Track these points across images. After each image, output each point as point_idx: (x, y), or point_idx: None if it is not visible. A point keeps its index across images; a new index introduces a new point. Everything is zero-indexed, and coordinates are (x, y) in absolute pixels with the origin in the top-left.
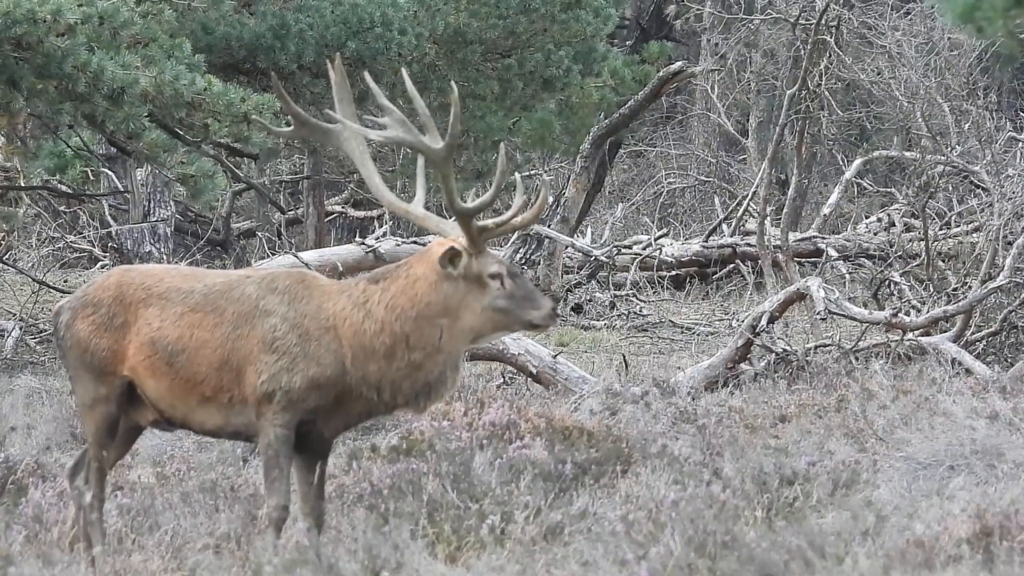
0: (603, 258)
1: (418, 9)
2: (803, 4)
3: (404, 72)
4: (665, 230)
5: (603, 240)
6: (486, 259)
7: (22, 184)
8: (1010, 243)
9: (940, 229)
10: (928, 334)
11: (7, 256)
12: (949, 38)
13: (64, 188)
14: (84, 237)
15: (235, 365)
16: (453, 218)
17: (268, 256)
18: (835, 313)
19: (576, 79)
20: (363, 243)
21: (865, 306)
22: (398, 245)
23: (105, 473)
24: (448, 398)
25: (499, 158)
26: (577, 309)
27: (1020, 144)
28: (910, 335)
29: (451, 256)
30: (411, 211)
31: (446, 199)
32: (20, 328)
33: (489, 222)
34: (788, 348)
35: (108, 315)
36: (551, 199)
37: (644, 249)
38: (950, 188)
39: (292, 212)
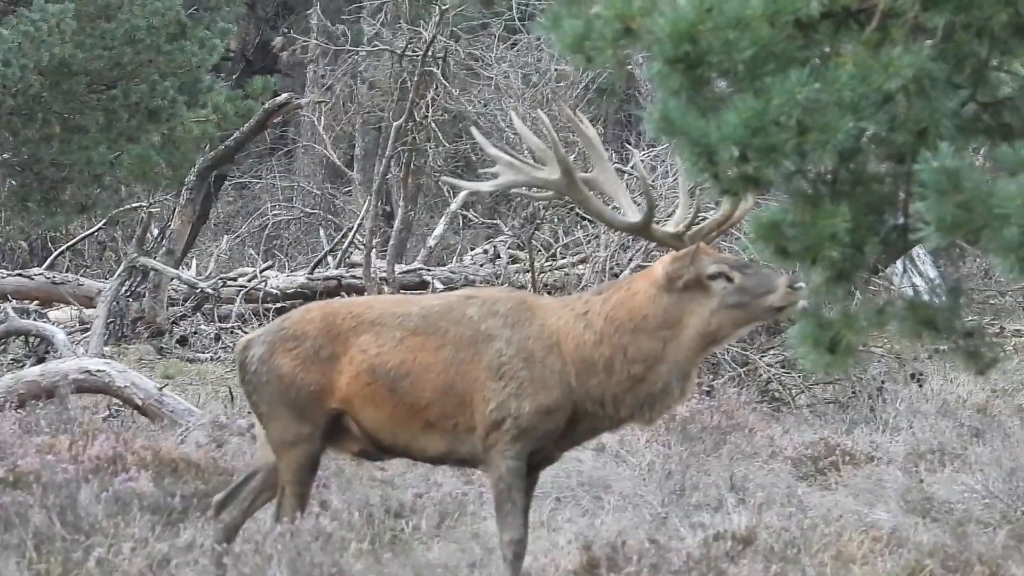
0: (208, 290)
1: (23, 40)
2: (410, 36)
3: (514, 115)
4: (270, 262)
5: (208, 272)
6: (702, 261)
7: None
8: (616, 275)
9: (546, 261)
10: None
11: None
12: (556, 69)
13: None
14: None
15: (460, 391)
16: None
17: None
18: None
19: (182, 110)
20: None
21: None
22: None
23: (304, 507)
24: (677, 408)
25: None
26: (182, 342)
27: (624, 176)
28: None
29: (674, 266)
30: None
31: (601, 220)
32: None
33: (697, 227)
34: None
35: (314, 347)
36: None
37: (249, 281)
38: (556, 220)
39: None
